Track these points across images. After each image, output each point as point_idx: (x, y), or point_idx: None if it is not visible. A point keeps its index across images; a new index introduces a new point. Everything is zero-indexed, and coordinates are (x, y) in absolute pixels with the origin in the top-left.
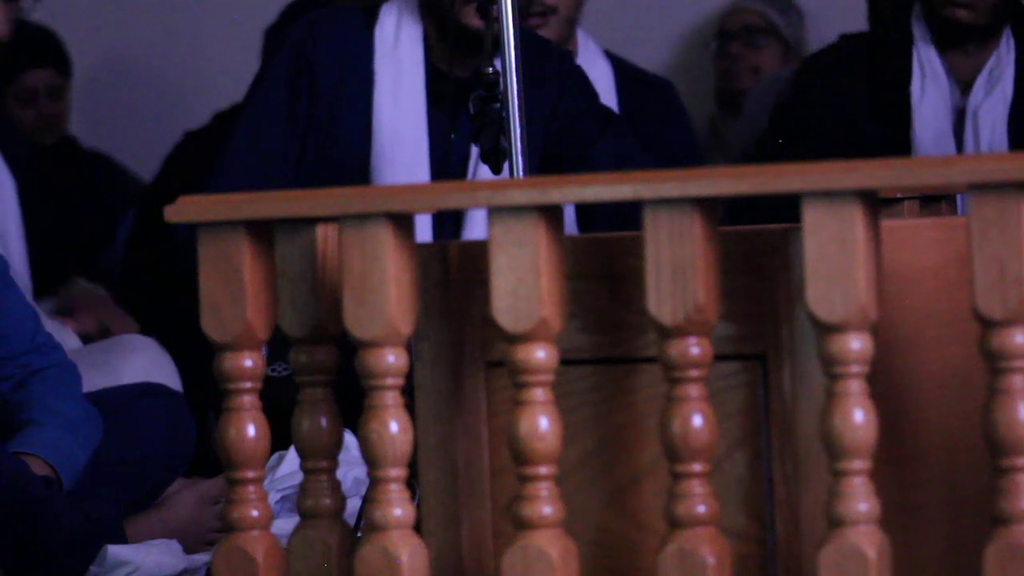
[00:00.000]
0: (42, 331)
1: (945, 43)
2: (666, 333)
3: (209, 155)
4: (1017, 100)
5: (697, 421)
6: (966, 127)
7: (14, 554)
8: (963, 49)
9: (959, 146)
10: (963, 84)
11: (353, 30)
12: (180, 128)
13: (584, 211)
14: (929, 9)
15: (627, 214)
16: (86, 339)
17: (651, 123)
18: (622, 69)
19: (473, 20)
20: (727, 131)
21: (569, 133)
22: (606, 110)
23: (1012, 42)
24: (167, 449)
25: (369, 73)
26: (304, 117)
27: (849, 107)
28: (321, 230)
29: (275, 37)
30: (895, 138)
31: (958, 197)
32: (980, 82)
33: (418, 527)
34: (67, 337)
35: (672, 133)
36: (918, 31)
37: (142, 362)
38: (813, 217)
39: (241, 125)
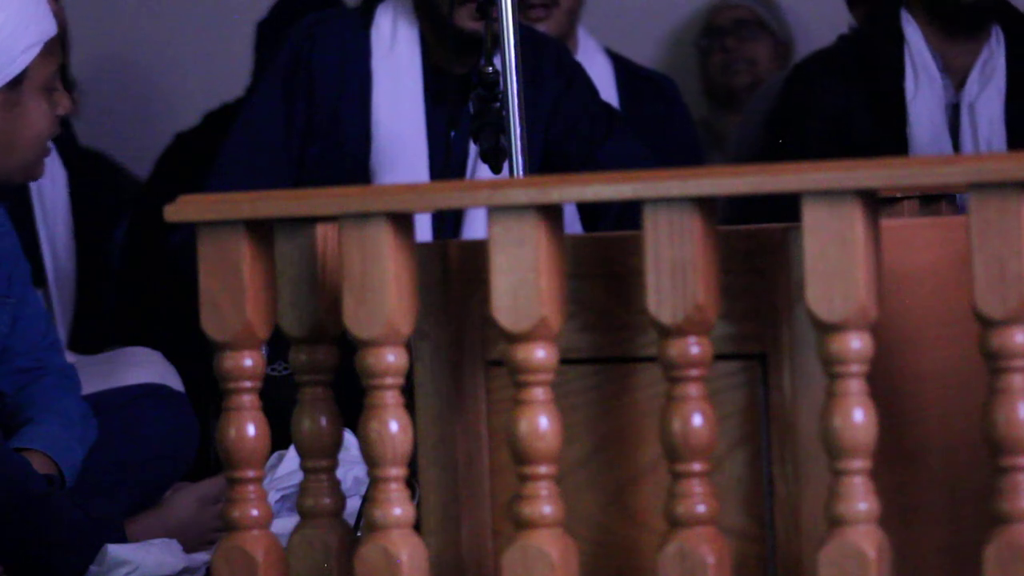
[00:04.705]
0: (53, 331)
1: (939, 33)
2: (666, 333)
3: (200, 156)
4: (1011, 92)
5: (697, 421)
6: (962, 122)
7: (15, 552)
8: (955, 42)
9: (955, 141)
10: (956, 79)
11: (350, 32)
12: (174, 128)
13: (588, 212)
14: None
15: (631, 215)
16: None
17: (652, 120)
18: (622, 66)
19: (468, 23)
20: (722, 128)
21: (574, 133)
22: (609, 108)
23: (1001, 36)
24: (169, 449)
25: (367, 74)
26: (302, 119)
27: (845, 107)
28: (321, 230)
29: (267, 31)
30: (891, 136)
31: (958, 197)
32: (974, 76)
33: (418, 527)
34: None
35: (674, 130)
36: (908, 29)
37: (146, 373)
38: (813, 217)
39: (238, 126)
